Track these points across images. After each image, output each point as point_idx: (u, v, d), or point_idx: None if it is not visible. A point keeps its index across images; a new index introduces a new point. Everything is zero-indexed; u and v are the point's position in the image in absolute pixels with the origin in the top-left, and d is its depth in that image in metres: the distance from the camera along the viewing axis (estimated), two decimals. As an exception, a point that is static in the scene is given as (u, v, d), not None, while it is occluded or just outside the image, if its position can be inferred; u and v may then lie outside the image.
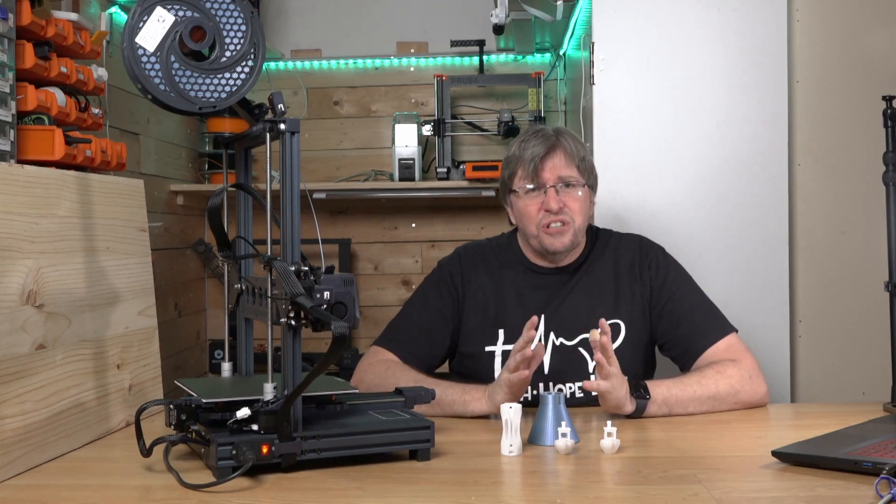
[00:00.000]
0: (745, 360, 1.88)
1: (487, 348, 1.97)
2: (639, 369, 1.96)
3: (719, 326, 1.94)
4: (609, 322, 1.94)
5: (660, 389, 1.77)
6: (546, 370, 1.93)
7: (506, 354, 1.93)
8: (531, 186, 1.96)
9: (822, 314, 2.63)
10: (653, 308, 1.98)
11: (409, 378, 1.85)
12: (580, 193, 1.96)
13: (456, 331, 2.02)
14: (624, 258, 2.02)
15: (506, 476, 1.41)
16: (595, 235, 2.07)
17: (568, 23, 3.18)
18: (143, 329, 1.86)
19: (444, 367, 2.10)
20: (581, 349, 1.95)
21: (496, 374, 1.93)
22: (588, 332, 1.93)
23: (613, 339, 1.93)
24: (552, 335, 1.96)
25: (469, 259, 2.07)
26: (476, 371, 1.96)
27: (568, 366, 1.94)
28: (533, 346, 1.70)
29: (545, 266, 2.02)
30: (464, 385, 1.83)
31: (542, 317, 1.96)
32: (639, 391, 1.75)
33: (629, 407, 1.73)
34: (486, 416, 1.78)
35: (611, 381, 1.69)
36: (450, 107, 3.67)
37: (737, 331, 1.96)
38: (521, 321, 1.94)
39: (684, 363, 1.95)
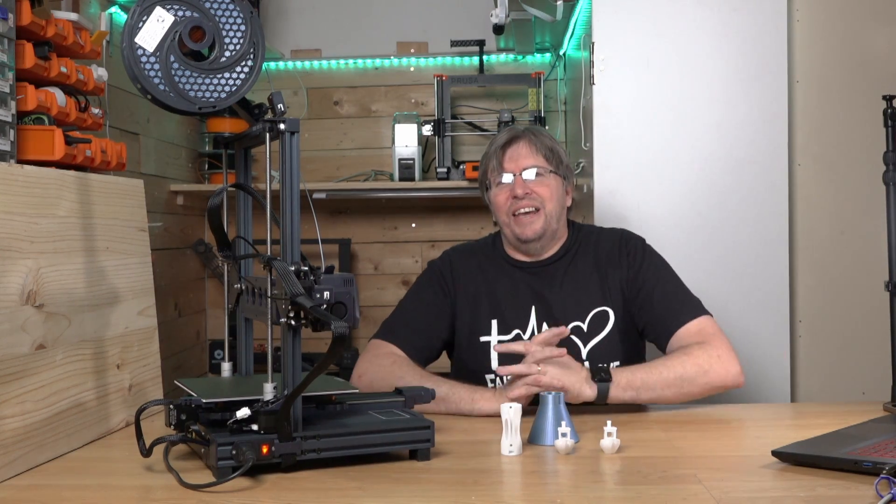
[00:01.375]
0: (715, 341, 1.86)
1: (482, 338, 2.01)
2: (630, 354, 2.00)
3: (692, 309, 1.95)
4: (597, 310, 2.00)
5: (624, 373, 1.77)
6: None
7: (501, 343, 1.97)
8: (499, 177, 2.04)
9: (822, 314, 2.63)
10: (630, 293, 2.00)
11: (415, 374, 1.86)
12: (548, 180, 2.02)
13: (451, 325, 2.05)
14: (605, 248, 2.06)
15: (506, 476, 1.41)
16: (578, 229, 2.11)
17: (568, 23, 3.18)
18: (143, 329, 1.86)
19: (443, 363, 2.11)
20: (573, 336, 1.98)
21: (493, 363, 1.98)
22: (577, 319, 1.99)
23: (602, 327, 1.98)
24: (545, 325, 1.99)
25: (458, 258, 2.12)
26: (473, 360, 2.01)
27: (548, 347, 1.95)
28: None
29: (529, 261, 2.07)
30: (471, 385, 1.84)
31: (533, 308, 2.00)
32: (600, 375, 1.74)
33: (588, 392, 1.72)
34: (493, 415, 1.78)
35: (563, 383, 1.69)
36: (450, 107, 3.67)
37: (711, 315, 1.95)
38: (512, 312, 2.01)
39: (660, 346, 1.98)
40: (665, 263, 2.05)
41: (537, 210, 2.00)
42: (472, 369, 2.00)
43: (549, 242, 2.05)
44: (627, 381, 1.76)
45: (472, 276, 2.07)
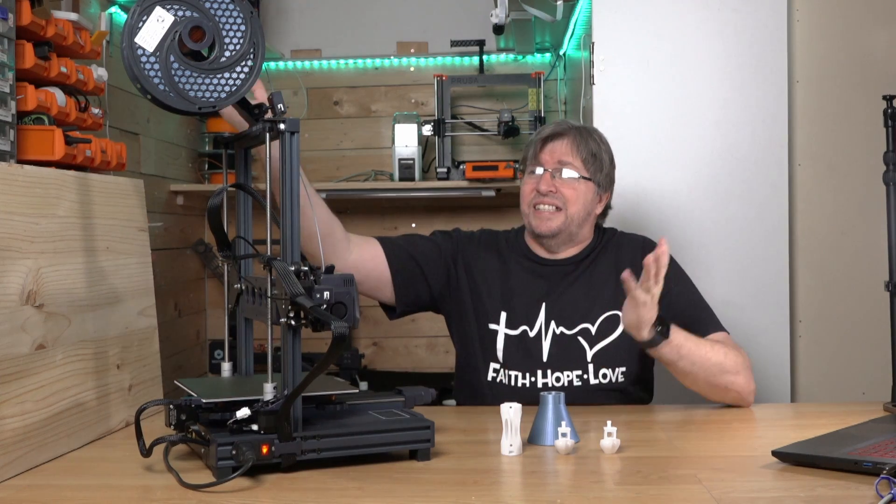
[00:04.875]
0: (743, 354, 1.90)
1: (491, 326, 2.00)
2: (637, 361, 1.98)
3: (711, 323, 1.96)
4: (609, 313, 1.99)
5: (679, 336, 1.79)
6: (545, 358, 1.96)
7: (508, 337, 1.98)
8: (531, 167, 2.03)
9: (822, 314, 2.63)
10: None
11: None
12: (578, 183, 2.00)
13: (442, 281, 2.04)
14: (626, 254, 2.04)
15: (506, 476, 1.41)
16: (602, 234, 2.10)
17: (568, 23, 3.18)
18: (143, 329, 1.86)
19: (443, 362, 2.11)
20: (580, 338, 1.97)
21: (499, 353, 1.98)
22: (587, 322, 1.97)
23: (613, 331, 1.98)
24: (552, 324, 1.98)
25: (482, 239, 2.11)
26: (481, 346, 2.00)
27: (566, 354, 1.97)
28: None
29: (549, 258, 2.05)
30: None
31: (544, 305, 2.00)
32: (661, 327, 1.76)
33: (645, 333, 1.75)
34: None
35: (647, 299, 1.70)
36: (450, 107, 3.67)
37: (728, 333, 1.97)
38: (523, 307, 2.00)
39: None
40: (685, 275, 2.04)
41: (558, 209, 1.99)
42: (479, 352, 2.00)
43: (565, 243, 2.03)
44: (679, 344, 1.79)
45: (492, 260, 2.06)
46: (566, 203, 1.99)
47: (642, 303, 1.70)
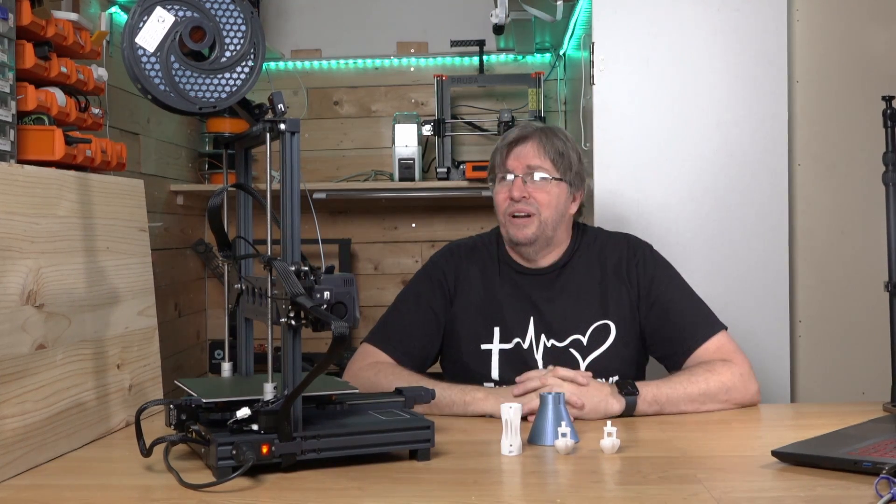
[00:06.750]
0: (737, 359, 1.87)
1: (484, 346, 1.97)
2: (630, 369, 1.96)
3: (708, 326, 1.92)
4: (598, 324, 1.95)
5: (649, 388, 1.77)
6: (539, 368, 1.93)
7: (502, 352, 1.95)
8: (501, 174, 1.99)
9: (822, 314, 2.63)
10: (640, 308, 1.97)
11: (402, 381, 1.81)
12: (549, 186, 1.96)
13: (447, 328, 2.01)
14: (611, 258, 2.01)
15: (506, 476, 1.41)
16: (582, 234, 2.06)
17: (568, 23, 3.18)
18: (143, 329, 1.86)
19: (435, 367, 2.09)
20: (572, 350, 1.94)
21: (493, 372, 1.94)
22: (577, 333, 1.95)
23: (603, 341, 1.94)
24: (543, 337, 1.95)
25: (461, 256, 2.06)
26: (474, 369, 1.96)
27: (560, 366, 1.92)
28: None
29: (530, 267, 2.02)
30: (461, 386, 1.82)
31: (532, 319, 1.97)
32: (627, 388, 1.75)
33: (616, 407, 1.74)
34: (485, 415, 1.77)
35: (583, 402, 1.72)
36: (450, 107, 3.68)
37: (726, 328, 1.93)
38: (514, 320, 1.97)
39: (672, 364, 1.94)
40: (675, 273, 2.00)
41: (530, 216, 1.94)
42: (471, 375, 1.95)
43: (543, 248, 1.99)
44: (653, 395, 1.77)
45: (474, 280, 2.02)
46: (539, 208, 1.94)
47: (583, 404, 1.72)
